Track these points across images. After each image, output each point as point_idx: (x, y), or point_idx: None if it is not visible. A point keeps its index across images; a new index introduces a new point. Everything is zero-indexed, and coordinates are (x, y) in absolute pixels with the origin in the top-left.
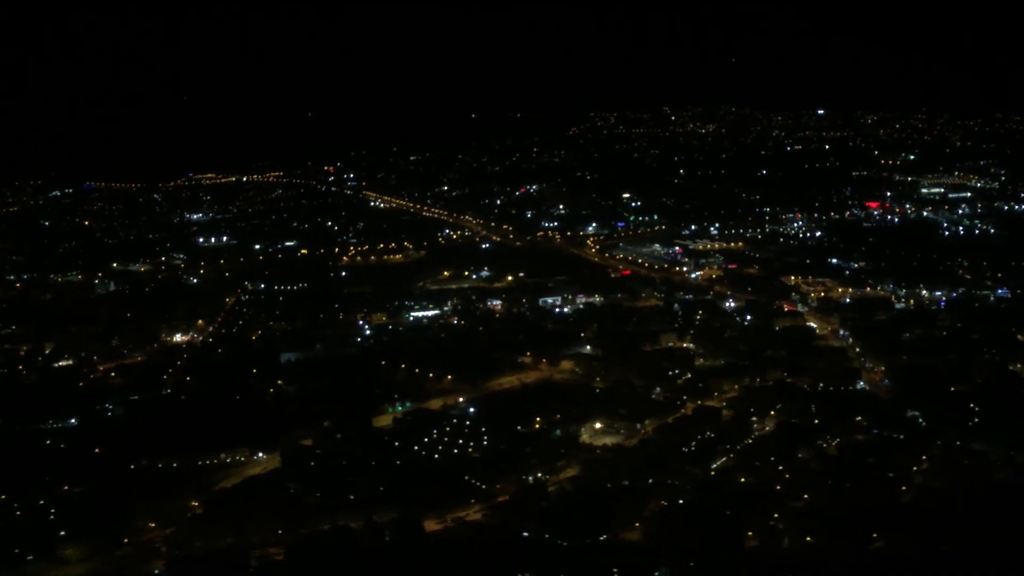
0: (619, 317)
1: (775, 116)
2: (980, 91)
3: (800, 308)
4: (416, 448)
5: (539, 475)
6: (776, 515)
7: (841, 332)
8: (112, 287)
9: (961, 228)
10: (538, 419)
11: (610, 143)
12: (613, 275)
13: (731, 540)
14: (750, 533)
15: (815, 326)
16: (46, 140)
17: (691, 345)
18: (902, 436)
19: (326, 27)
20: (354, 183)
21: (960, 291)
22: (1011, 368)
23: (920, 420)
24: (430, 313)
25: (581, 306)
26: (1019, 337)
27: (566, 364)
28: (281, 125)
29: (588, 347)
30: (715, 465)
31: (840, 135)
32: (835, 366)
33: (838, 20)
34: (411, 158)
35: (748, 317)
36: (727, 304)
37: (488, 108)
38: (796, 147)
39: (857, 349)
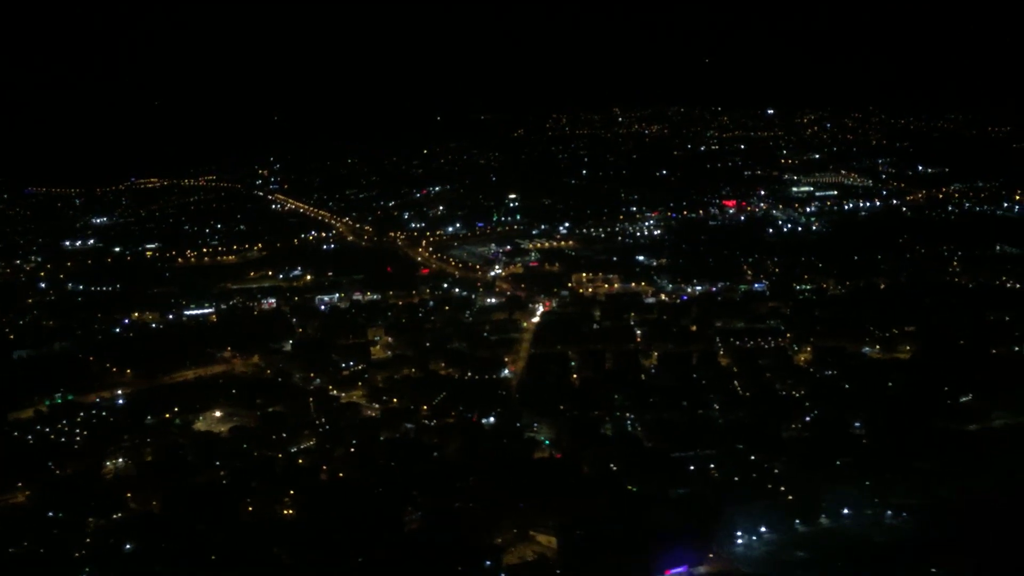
0: (358, 312)
1: (723, 116)
2: (924, 90)
3: (553, 303)
4: (28, 437)
5: (119, 460)
6: (292, 491)
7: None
8: None
9: (787, 226)
10: (176, 408)
11: (548, 144)
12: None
13: (228, 511)
14: (251, 508)
15: (537, 319)
16: None
17: (389, 338)
18: (489, 419)
19: (290, 30)
20: (276, 186)
21: (719, 285)
22: (641, 361)
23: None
24: (203, 311)
25: (347, 304)
26: (692, 328)
27: (256, 358)
28: (239, 128)
29: (290, 341)
30: (297, 448)
31: (767, 134)
32: (493, 356)
33: (795, 20)
34: (348, 160)
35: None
36: (488, 300)
37: (453, 110)
38: (713, 147)
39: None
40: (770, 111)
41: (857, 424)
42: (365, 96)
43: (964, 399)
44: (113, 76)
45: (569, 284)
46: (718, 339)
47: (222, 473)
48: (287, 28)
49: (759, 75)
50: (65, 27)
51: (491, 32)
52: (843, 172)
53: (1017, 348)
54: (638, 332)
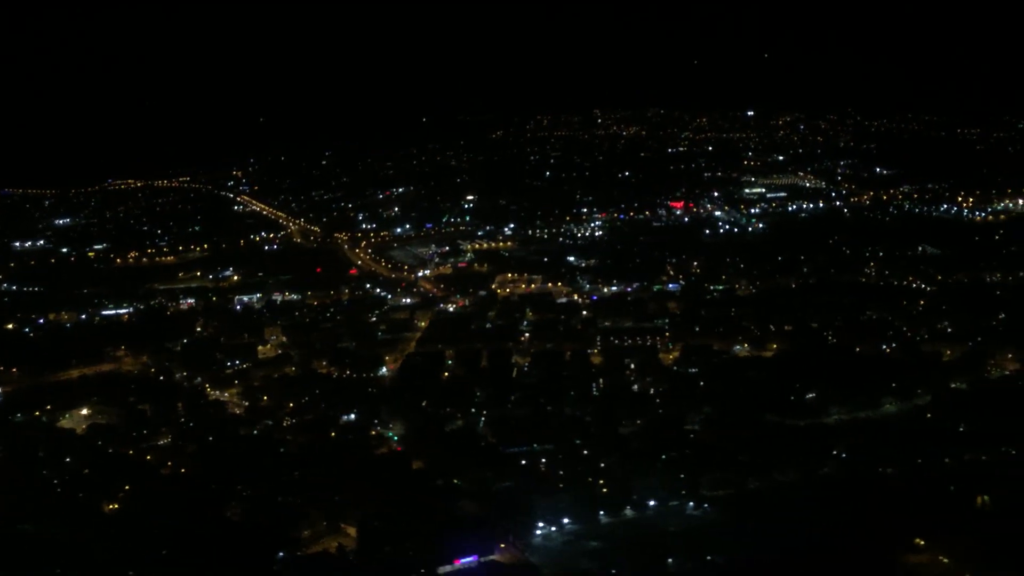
0: (269, 312)
1: (701, 118)
2: (901, 92)
3: (466, 303)
4: None
5: None
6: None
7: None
8: None
9: (726, 227)
10: (48, 406)
11: (524, 146)
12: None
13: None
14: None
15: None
16: None
17: (284, 338)
18: (350, 416)
19: (286, 32)
20: (246, 187)
21: (635, 286)
22: (515, 359)
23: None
24: (119, 311)
25: (262, 304)
26: (579, 327)
27: (144, 357)
28: (226, 129)
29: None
30: (152, 445)
31: (737, 136)
32: (375, 355)
33: (777, 22)
34: (323, 162)
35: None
36: (403, 300)
37: (441, 112)
38: (680, 148)
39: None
40: (750, 113)
41: (699, 419)
42: (354, 99)
43: (809, 395)
44: (100, 77)
45: (492, 285)
46: (598, 338)
47: (72, 470)
48: (285, 31)
49: (742, 77)
50: (58, 26)
51: (483, 34)
52: (800, 174)
53: (884, 347)
54: (526, 332)
